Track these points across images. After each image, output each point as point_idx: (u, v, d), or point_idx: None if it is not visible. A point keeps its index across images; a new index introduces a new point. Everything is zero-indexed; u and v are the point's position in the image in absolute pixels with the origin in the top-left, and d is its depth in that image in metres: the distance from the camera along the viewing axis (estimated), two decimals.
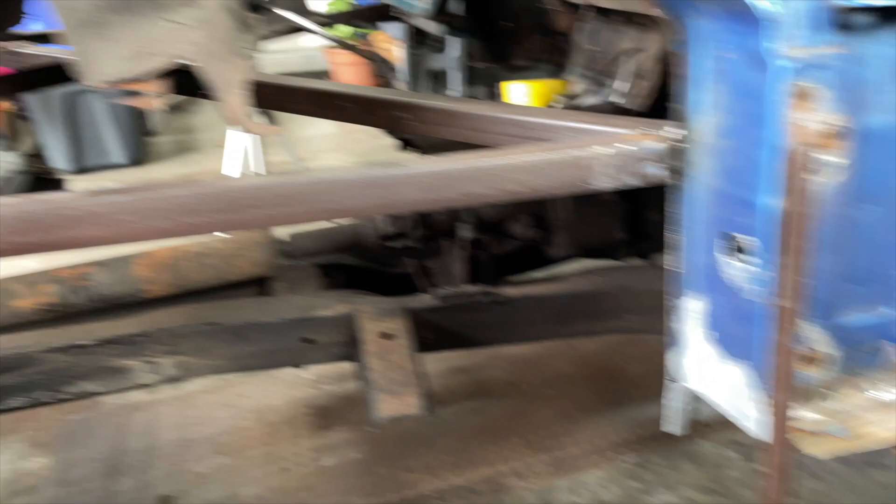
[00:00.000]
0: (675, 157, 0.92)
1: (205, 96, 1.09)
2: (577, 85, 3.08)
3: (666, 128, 0.94)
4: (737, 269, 0.87)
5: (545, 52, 3.11)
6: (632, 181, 0.91)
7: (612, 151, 0.90)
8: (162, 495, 1.96)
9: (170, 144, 6.22)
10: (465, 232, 2.00)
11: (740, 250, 0.88)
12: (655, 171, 0.92)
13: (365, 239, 2.00)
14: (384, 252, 2.19)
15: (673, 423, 1.01)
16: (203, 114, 7.39)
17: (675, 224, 0.94)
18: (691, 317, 0.96)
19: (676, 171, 0.92)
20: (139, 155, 5.20)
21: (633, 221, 2.07)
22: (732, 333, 0.90)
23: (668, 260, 0.95)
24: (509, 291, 1.85)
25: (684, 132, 0.91)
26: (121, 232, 0.77)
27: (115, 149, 4.99)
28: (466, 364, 2.56)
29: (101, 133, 4.90)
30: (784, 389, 0.80)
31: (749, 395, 0.89)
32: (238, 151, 3.00)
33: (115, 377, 1.55)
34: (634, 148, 0.91)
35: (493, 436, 2.17)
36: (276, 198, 0.82)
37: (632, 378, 2.42)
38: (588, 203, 2.00)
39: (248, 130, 1.07)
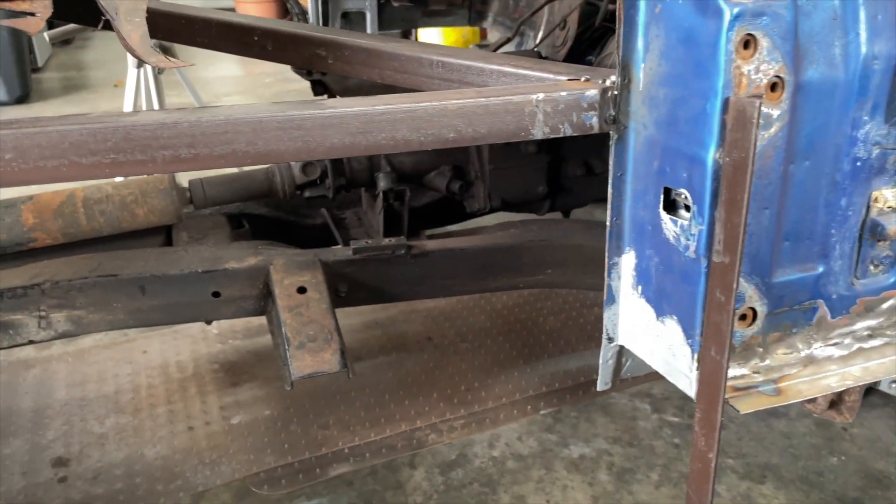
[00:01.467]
0: (613, 106, 0.88)
1: (97, 24, 0.96)
2: (493, 33, 3.02)
3: (607, 76, 0.90)
4: (674, 225, 0.85)
5: None
6: (569, 130, 0.87)
7: (549, 98, 0.85)
8: (57, 457, 1.84)
9: (57, 81, 5.77)
10: (384, 182, 1.92)
11: (677, 205, 0.85)
12: (593, 121, 0.88)
13: (277, 187, 1.90)
14: (297, 202, 2.09)
15: (607, 381, 0.99)
16: (95, 49, 6.87)
17: (612, 177, 0.91)
18: (627, 274, 0.94)
19: (614, 121, 0.89)
20: (24, 92, 4.78)
21: (554, 175, 2.06)
22: (668, 290, 0.88)
23: (607, 215, 0.92)
24: (428, 244, 1.80)
25: (623, 80, 0.87)
26: None
27: None
28: (382, 318, 2.52)
29: None
30: (716, 346, 0.79)
31: (682, 352, 0.88)
32: (136, 91, 2.78)
33: (2, 332, 1.41)
34: (572, 95, 0.86)
35: (410, 391, 2.15)
36: (181, 137, 0.73)
37: (547, 332, 2.44)
38: (510, 156, 1.97)
39: (148, 63, 0.95)
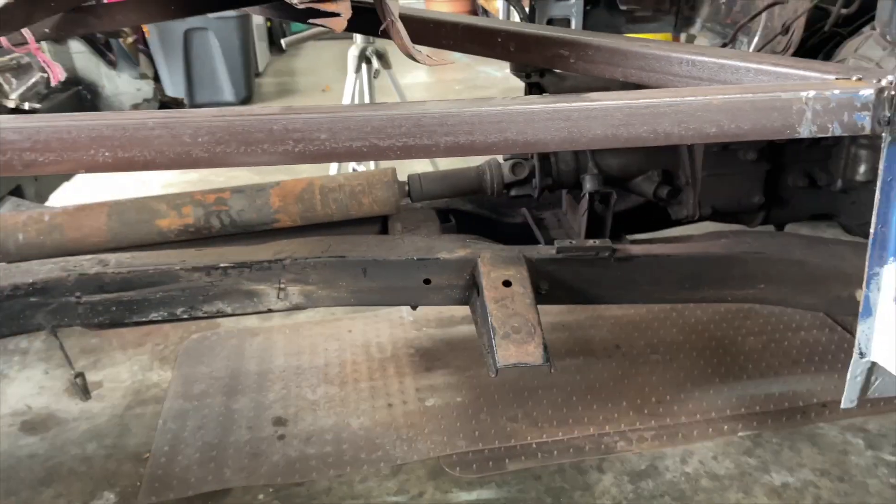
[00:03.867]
0: (889, 106, 0.84)
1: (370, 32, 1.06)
2: (700, 39, 2.93)
3: (881, 76, 0.86)
4: None
5: (669, 3, 2.95)
6: (838, 129, 0.84)
7: (820, 96, 0.83)
8: (277, 417, 2.03)
9: (273, 86, 6.34)
10: (590, 184, 1.93)
11: None
12: (865, 121, 0.84)
13: (487, 185, 1.97)
14: (500, 200, 2.16)
15: (853, 398, 0.94)
16: (304, 58, 7.48)
17: (881, 182, 0.86)
18: (889, 285, 0.88)
19: (888, 123, 0.84)
20: (248, 94, 5.32)
21: (771, 185, 1.96)
22: None
23: (871, 223, 0.88)
24: (633, 248, 1.78)
25: None
26: (313, 150, 0.77)
27: (226, 86, 5.12)
28: (569, 322, 2.53)
29: (215, 70, 5.03)
30: None
31: None
32: (353, 94, 3.00)
33: (248, 300, 1.59)
34: (845, 94, 0.83)
35: (598, 396, 2.14)
36: (462, 125, 0.79)
37: (747, 352, 2.33)
38: (726, 162, 1.91)
39: (416, 59, 1.04)
